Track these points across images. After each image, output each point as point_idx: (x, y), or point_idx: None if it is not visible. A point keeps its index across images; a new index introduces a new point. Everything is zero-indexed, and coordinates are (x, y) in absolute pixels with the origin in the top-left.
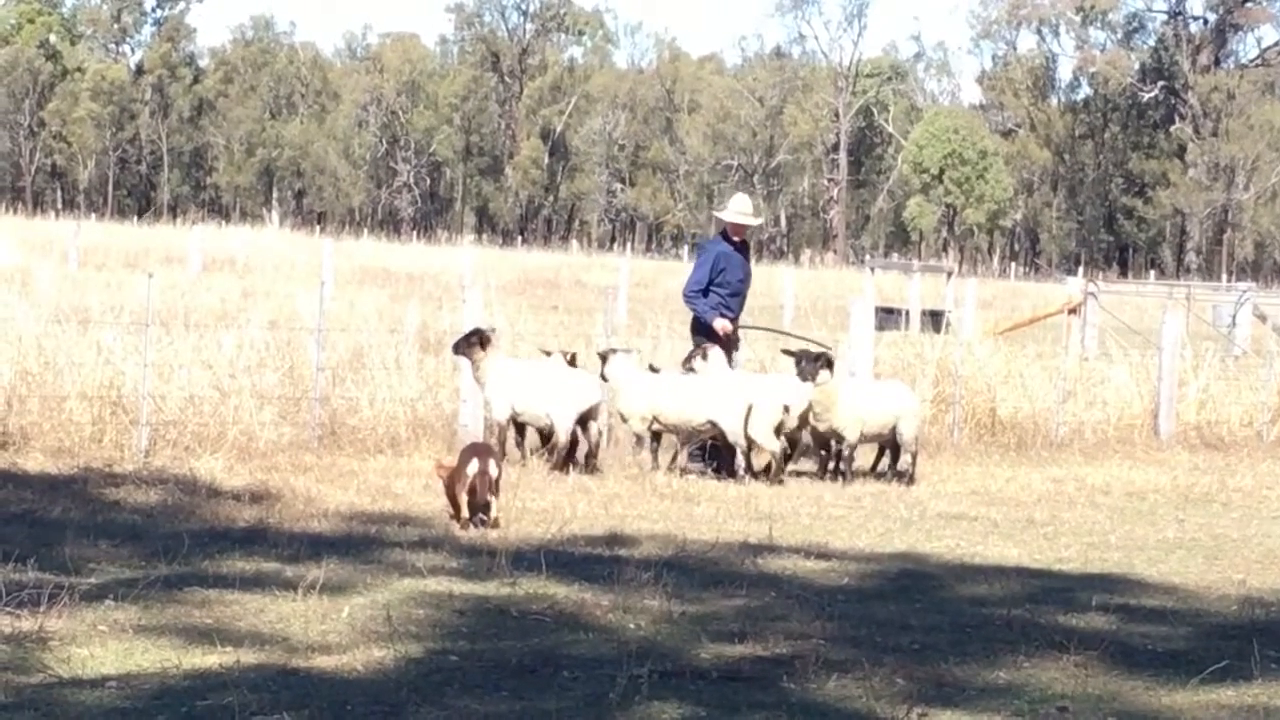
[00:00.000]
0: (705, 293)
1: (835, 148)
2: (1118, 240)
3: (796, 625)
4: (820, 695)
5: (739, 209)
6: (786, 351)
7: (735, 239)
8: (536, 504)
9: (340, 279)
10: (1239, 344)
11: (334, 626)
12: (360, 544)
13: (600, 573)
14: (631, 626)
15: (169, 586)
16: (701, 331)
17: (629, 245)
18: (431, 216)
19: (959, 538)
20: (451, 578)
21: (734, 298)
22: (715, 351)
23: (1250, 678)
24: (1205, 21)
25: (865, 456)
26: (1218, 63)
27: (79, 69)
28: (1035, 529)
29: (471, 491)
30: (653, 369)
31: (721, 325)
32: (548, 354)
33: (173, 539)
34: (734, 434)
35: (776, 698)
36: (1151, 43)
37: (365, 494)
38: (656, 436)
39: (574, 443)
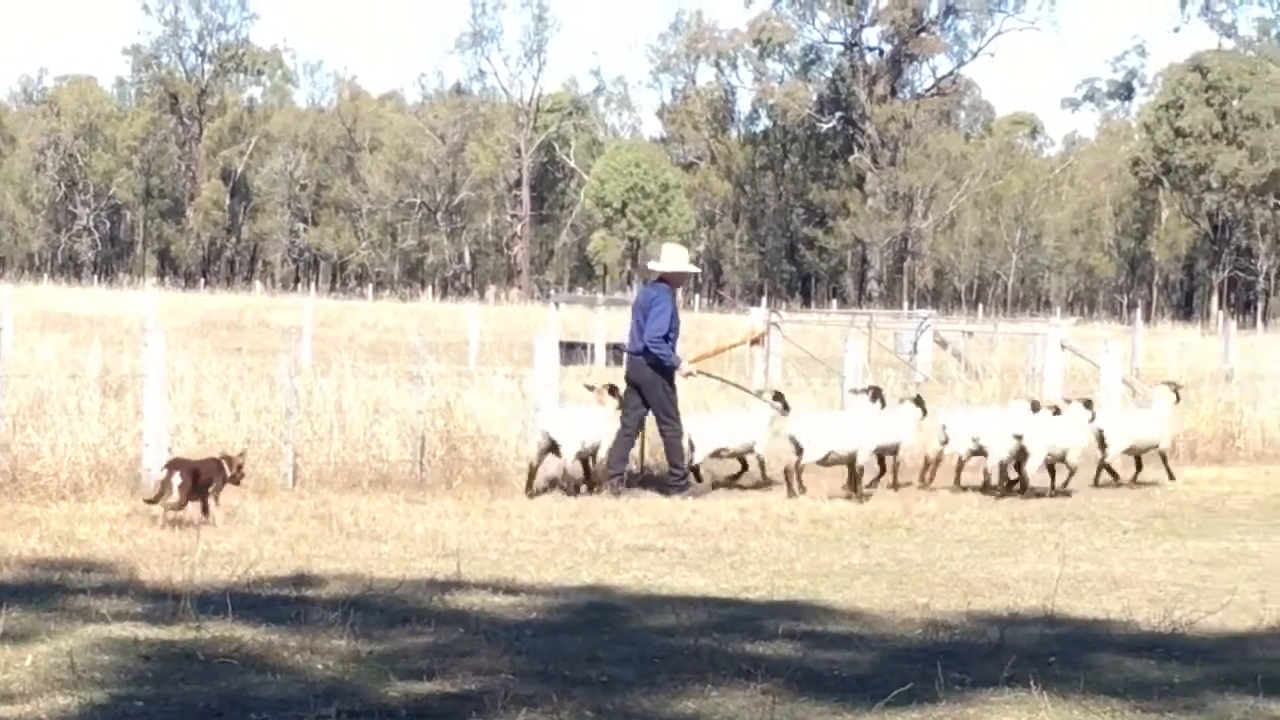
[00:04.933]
0: (665, 339)
1: (518, 183)
2: (800, 270)
3: (485, 661)
4: None
5: (679, 259)
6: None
7: (677, 286)
8: (222, 546)
9: (20, 324)
10: (921, 370)
11: (17, 675)
12: (43, 591)
13: (287, 614)
14: (319, 667)
15: None
16: (665, 374)
17: (313, 285)
18: (113, 260)
19: (646, 569)
20: (136, 623)
21: (678, 342)
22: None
23: (935, 700)
24: (881, 52)
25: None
26: (894, 93)
27: None
28: (722, 558)
29: None
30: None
31: (686, 370)
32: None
33: None
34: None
35: None
36: (829, 74)
37: (48, 540)
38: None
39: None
